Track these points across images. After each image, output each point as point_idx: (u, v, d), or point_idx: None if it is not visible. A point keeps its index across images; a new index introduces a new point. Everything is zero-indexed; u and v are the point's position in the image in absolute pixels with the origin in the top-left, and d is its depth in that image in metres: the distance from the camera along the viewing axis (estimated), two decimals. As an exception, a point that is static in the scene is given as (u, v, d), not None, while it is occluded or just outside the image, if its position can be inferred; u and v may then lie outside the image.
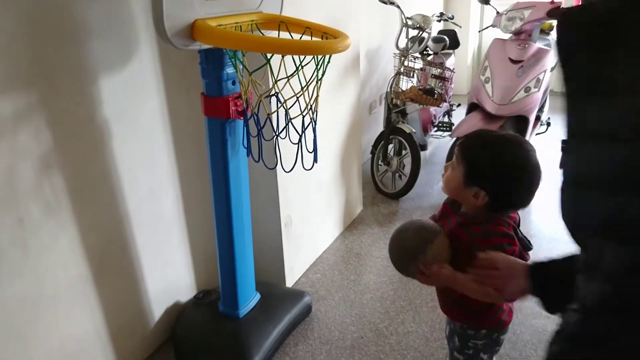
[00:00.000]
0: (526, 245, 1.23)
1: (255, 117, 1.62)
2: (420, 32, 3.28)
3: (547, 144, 4.14)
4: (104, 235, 1.68)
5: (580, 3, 0.67)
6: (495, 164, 1.16)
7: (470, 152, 1.20)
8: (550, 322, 2.11)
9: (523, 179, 1.17)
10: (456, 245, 1.21)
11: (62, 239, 1.53)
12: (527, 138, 3.29)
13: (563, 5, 3.13)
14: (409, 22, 3.25)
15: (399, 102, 3.28)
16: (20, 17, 1.32)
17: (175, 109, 1.89)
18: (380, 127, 3.61)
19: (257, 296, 2.05)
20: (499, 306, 1.30)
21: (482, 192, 1.16)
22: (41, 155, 1.44)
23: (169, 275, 2.01)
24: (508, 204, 1.21)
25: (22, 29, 1.34)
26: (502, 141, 1.21)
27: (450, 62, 3.96)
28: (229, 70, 1.62)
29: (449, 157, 3.15)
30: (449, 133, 3.21)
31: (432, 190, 3.47)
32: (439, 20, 3.88)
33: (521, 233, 1.23)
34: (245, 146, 1.72)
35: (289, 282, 2.41)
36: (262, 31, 1.67)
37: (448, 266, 1.18)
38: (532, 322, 2.12)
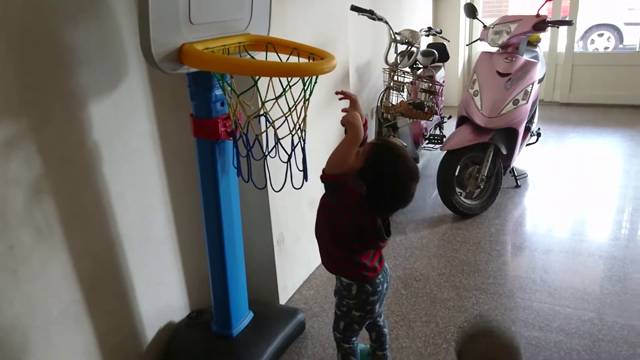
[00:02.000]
0: (381, 234, 1.49)
1: (245, 138, 1.63)
2: (409, 47, 3.32)
3: (538, 154, 4.19)
4: (96, 259, 1.68)
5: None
6: (377, 165, 1.41)
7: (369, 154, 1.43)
8: (544, 334, 2.11)
9: (394, 182, 1.42)
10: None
11: (53, 264, 1.53)
12: (517, 149, 3.32)
13: (549, 19, 3.17)
14: (398, 38, 3.29)
15: (389, 116, 3.30)
16: (9, 44, 1.34)
17: (166, 131, 1.91)
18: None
19: (250, 315, 2.05)
20: (361, 262, 1.56)
21: (363, 185, 1.40)
22: (32, 181, 1.44)
23: (161, 296, 2.01)
24: (380, 201, 1.45)
25: (12, 55, 1.35)
26: (388, 145, 1.49)
27: (440, 75, 4.00)
28: (217, 92, 1.64)
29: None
30: (440, 146, 3.23)
31: (425, 202, 3.49)
32: (427, 35, 3.93)
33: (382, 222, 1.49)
34: (235, 166, 1.73)
35: (282, 300, 2.41)
36: (250, 52, 1.69)
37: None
38: (525, 334, 2.12)
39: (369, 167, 1.40)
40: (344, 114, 1.50)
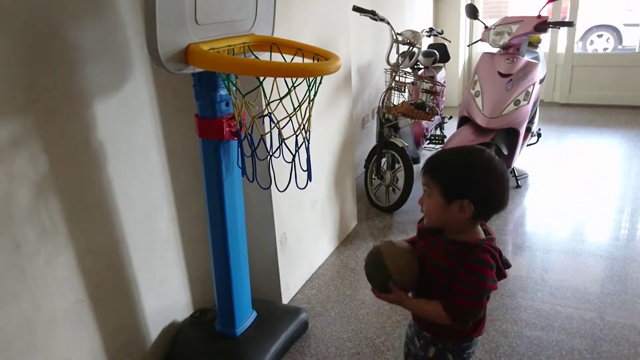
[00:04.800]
0: (506, 264, 1.29)
1: (249, 138, 1.64)
2: (411, 47, 3.33)
3: (538, 154, 4.20)
4: (100, 257, 1.69)
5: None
6: (468, 170, 1.20)
7: (438, 171, 1.23)
8: (545, 334, 2.12)
9: (496, 178, 1.21)
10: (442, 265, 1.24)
11: (58, 263, 1.53)
12: (517, 150, 3.33)
13: (550, 20, 3.18)
14: (399, 38, 3.30)
15: (391, 117, 3.31)
16: (14, 43, 1.34)
17: (170, 130, 1.91)
18: (373, 141, 3.65)
19: (254, 314, 2.05)
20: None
21: (465, 202, 1.18)
22: (37, 179, 1.45)
23: (165, 295, 2.02)
24: (492, 206, 1.23)
25: (17, 54, 1.35)
26: (464, 151, 1.30)
27: (441, 76, 4.02)
28: (222, 92, 1.64)
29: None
30: (442, 146, 3.25)
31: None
32: (429, 36, 3.94)
33: (503, 256, 1.29)
34: (240, 166, 1.74)
35: (285, 299, 2.41)
36: (255, 53, 1.70)
37: (397, 290, 1.28)
38: (527, 333, 2.13)
39: (464, 179, 1.20)
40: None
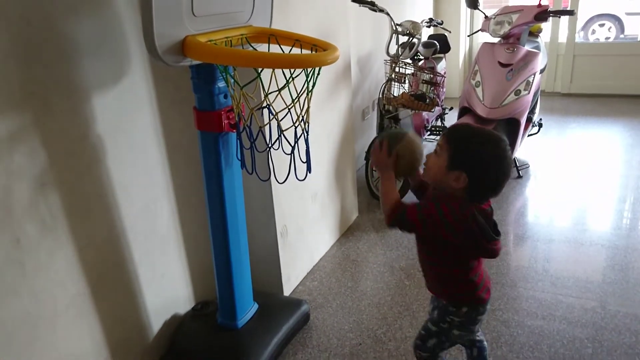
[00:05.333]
0: (488, 235, 1.36)
1: (248, 130, 1.64)
2: (410, 38, 3.31)
3: (540, 144, 4.19)
4: (101, 251, 1.69)
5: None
6: (480, 150, 1.30)
7: (457, 138, 1.34)
8: (547, 323, 2.13)
9: (500, 166, 1.30)
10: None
11: (59, 257, 1.54)
12: (518, 140, 3.32)
13: (550, 9, 3.16)
14: (399, 29, 3.28)
15: (391, 108, 3.30)
16: (11, 37, 1.34)
17: (169, 123, 1.91)
18: (373, 133, 3.64)
19: (255, 306, 2.06)
20: (477, 284, 1.46)
21: (463, 175, 1.29)
22: (36, 174, 1.45)
23: (166, 288, 2.02)
24: (484, 190, 1.34)
25: (14, 49, 1.35)
26: (486, 133, 1.35)
27: (441, 66, 4.00)
28: (221, 84, 1.64)
29: None
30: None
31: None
32: (429, 26, 3.91)
33: (487, 223, 1.36)
34: (239, 158, 1.73)
35: (287, 291, 2.42)
36: (253, 45, 1.70)
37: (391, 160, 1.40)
38: (528, 323, 2.13)
39: (464, 151, 1.29)
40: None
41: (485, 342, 1.73)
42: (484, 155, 1.29)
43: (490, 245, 1.37)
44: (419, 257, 1.56)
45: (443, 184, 1.34)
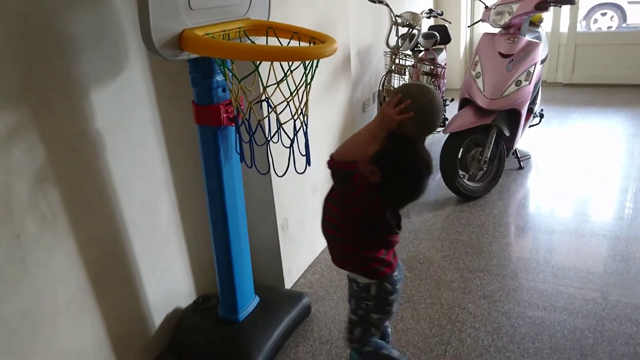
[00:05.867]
0: (391, 228, 1.44)
1: (247, 123, 1.64)
2: (410, 29, 3.30)
3: (541, 135, 4.18)
4: (101, 246, 1.70)
5: None
6: (402, 162, 1.35)
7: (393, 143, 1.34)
8: (547, 314, 2.13)
9: (417, 178, 1.37)
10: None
11: (59, 252, 1.54)
12: (519, 131, 3.31)
13: (551, -2, 3.14)
14: (399, 20, 3.27)
15: (391, 100, 3.29)
16: (8, 34, 1.33)
17: (168, 118, 1.91)
18: (374, 126, 3.63)
19: (256, 299, 2.06)
20: (376, 257, 1.50)
21: (378, 171, 1.32)
22: (35, 170, 1.45)
23: (167, 282, 2.03)
24: (397, 196, 1.40)
25: (11, 45, 1.35)
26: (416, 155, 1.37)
27: (441, 58, 3.98)
28: (219, 78, 1.63)
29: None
30: (443, 128, 3.23)
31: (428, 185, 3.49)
32: (429, 17, 3.90)
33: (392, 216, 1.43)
34: (238, 152, 1.73)
35: (288, 284, 2.42)
36: (251, 38, 1.69)
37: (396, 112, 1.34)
38: (529, 314, 2.14)
39: (387, 153, 1.33)
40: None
41: (390, 329, 1.84)
42: (404, 165, 1.35)
43: (389, 236, 1.47)
44: (324, 225, 1.57)
45: (365, 169, 1.35)
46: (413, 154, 1.35)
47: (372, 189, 1.35)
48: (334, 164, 1.39)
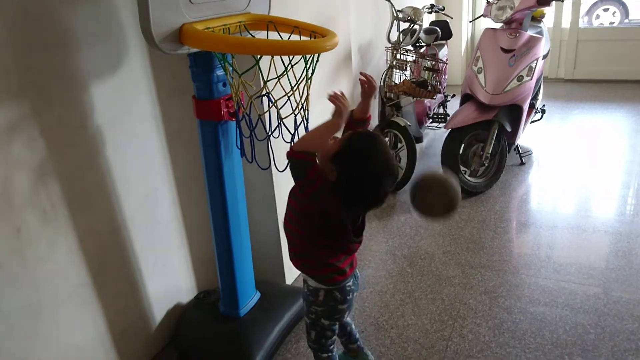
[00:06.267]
0: (348, 235, 1.40)
1: (247, 118, 1.63)
2: (412, 25, 3.28)
3: (543, 131, 4.16)
4: (102, 241, 1.69)
5: None
6: (360, 163, 1.30)
7: (350, 144, 1.32)
8: (549, 310, 2.12)
9: (374, 181, 1.32)
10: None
11: (59, 247, 1.54)
12: (521, 127, 3.30)
13: (553, -7, 3.12)
14: (400, 15, 3.25)
15: (392, 96, 3.28)
16: (8, 27, 1.33)
17: (168, 113, 1.90)
18: (375, 121, 3.62)
19: (257, 295, 2.06)
20: (329, 262, 1.45)
21: (335, 170, 1.30)
22: (36, 164, 1.44)
23: (168, 278, 2.03)
24: (355, 199, 1.35)
25: (11, 38, 1.34)
26: (379, 149, 1.33)
27: (443, 53, 3.96)
28: (219, 72, 1.63)
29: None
30: (444, 124, 3.22)
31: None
32: (430, 12, 3.88)
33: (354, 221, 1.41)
34: (239, 147, 1.73)
35: (289, 280, 2.42)
36: (251, 32, 1.68)
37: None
38: (530, 309, 2.13)
39: (344, 153, 1.29)
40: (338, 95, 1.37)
41: (353, 325, 1.83)
42: (356, 158, 1.30)
43: (345, 242, 1.42)
44: (285, 219, 1.52)
45: (323, 167, 1.32)
46: (373, 156, 1.30)
47: (328, 187, 1.31)
48: (291, 153, 1.30)
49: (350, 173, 1.30)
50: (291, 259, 1.55)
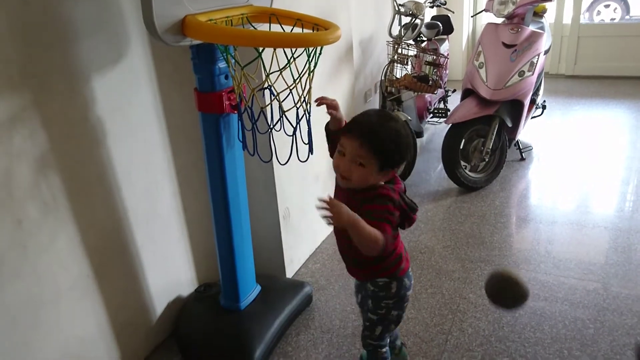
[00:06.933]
0: (412, 208, 1.41)
1: (249, 111, 1.62)
2: (413, 19, 3.28)
3: (543, 127, 4.16)
4: (103, 233, 1.69)
5: None
6: (402, 147, 1.33)
7: (376, 146, 1.30)
8: (548, 305, 2.13)
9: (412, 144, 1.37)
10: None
11: (61, 239, 1.54)
12: (522, 122, 3.30)
13: (555, -12, 3.11)
14: (402, 9, 3.24)
15: (393, 90, 3.27)
16: (9, 19, 1.32)
17: (170, 105, 1.90)
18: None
19: (258, 288, 2.07)
20: (393, 258, 1.48)
21: (391, 171, 1.35)
22: (37, 156, 1.44)
23: (169, 271, 2.03)
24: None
25: (12, 30, 1.33)
26: (389, 122, 1.35)
27: (444, 48, 3.96)
28: (221, 64, 1.62)
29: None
30: (445, 119, 3.22)
31: (429, 176, 3.49)
32: (432, 6, 3.87)
33: (408, 198, 1.42)
34: (240, 140, 1.72)
35: (289, 273, 2.43)
36: (253, 24, 1.67)
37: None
38: (530, 304, 2.14)
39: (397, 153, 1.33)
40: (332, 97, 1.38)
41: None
42: (402, 147, 1.33)
43: (414, 216, 1.44)
44: (343, 245, 1.51)
45: (370, 184, 1.34)
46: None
47: (392, 196, 1.33)
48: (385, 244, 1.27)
49: (402, 159, 1.36)
50: (358, 276, 1.57)
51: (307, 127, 1.62)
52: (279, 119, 1.60)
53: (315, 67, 1.54)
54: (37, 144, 1.44)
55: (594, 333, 1.96)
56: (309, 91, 1.57)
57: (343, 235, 1.41)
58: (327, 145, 1.51)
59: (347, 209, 1.19)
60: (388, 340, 1.65)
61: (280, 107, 1.57)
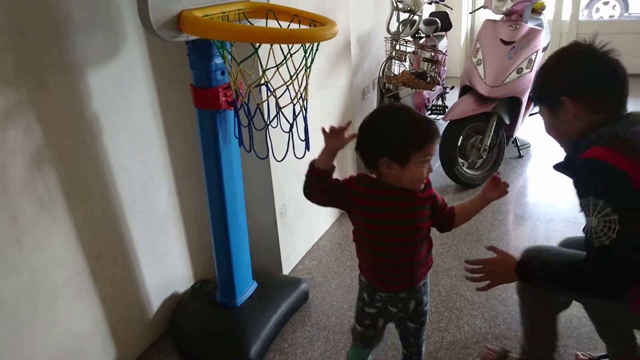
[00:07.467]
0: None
1: (246, 107, 1.62)
2: (411, 15, 3.27)
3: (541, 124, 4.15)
4: (99, 229, 1.69)
5: None
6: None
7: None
8: (544, 302, 2.13)
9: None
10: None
11: (56, 235, 1.53)
12: (520, 119, 3.30)
13: (554, -15, 3.10)
14: (400, 6, 3.24)
15: (391, 87, 3.27)
16: (4, 13, 1.31)
17: (166, 101, 1.89)
18: (373, 113, 3.61)
19: (254, 285, 2.06)
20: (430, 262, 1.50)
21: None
22: (32, 151, 1.43)
23: (166, 267, 2.02)
24: None
25: (7, 25, 1.32)
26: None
27: (442, 45, 3.95)
28: (218, 60, 1.61)
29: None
30: (443, 116, 3.21)
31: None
32: (430, 3, 3.86)
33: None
34: (237, 136, 1.72)
35: (286, 270, 2.42)
36: (250, 20, 1.66)
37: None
38: (527, 302, 2.14)
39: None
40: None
41: None
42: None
43: None
44: (396, 254, 1.44)
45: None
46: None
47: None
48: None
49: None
50: (411, 282, 1.46)
51: (304, 123, 1.62)
52: (276, 115, 1.60)
53: (312, 63, 1.53)
54: (33, 139, 1.43)
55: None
56: (305, 87, 1.56)
57: (402, 243, 1.41)
58: (304, 178, 1.43)
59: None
60: None
61: (277, 103, 1.56)
